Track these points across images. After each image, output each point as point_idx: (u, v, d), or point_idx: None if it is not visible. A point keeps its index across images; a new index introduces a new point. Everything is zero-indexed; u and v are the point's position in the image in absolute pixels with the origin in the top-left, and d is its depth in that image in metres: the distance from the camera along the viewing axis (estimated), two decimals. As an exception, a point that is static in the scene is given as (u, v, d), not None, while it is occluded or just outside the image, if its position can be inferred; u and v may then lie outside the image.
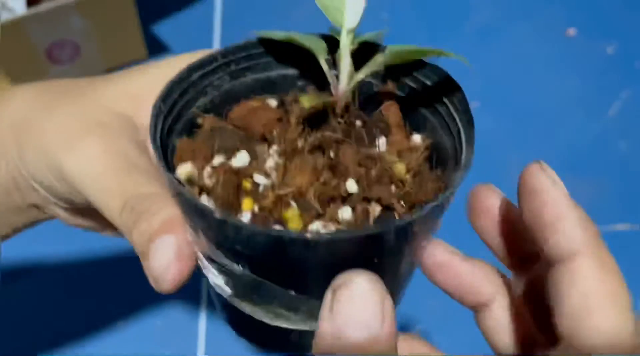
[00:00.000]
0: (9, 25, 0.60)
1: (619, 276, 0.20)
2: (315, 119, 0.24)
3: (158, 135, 0.22)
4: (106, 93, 0.29)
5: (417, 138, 0.26)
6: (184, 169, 0.23)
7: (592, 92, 0.77)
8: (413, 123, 0.26)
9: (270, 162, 0.23)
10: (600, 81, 0.78)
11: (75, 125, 0.27)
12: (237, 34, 0.79)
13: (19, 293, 0.62)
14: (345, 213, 0.22)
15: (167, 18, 0.78)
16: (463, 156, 0.23)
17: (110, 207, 0.25)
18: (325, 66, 0.24)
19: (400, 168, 0.24)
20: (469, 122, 0.24)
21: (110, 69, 0.73)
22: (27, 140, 0.28)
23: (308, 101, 0.22)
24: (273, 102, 0.26)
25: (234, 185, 0.22)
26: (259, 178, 0.22)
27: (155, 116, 0.23)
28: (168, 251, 0.22)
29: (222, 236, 0.20)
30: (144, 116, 0.27)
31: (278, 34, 0.25)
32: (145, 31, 0.73)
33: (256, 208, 0.21)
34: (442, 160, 0.25)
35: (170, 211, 0.23)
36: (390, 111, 0.26)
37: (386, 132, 0.26)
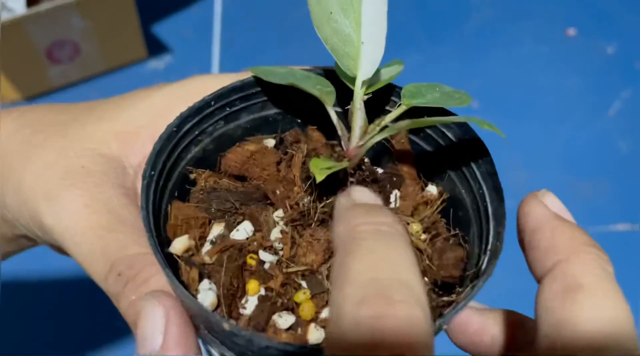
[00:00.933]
0: (9, 25, 0.60)
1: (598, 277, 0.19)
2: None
3: (151, 217, 0.20)
4: (92, 132, 0.27)
5: (432, 189, 0.24)
6: (180, 245, 0.21)
7: (592, 91, 0.77)
8: (428, 175, 0.24)
9: (276, 233, 0.21)
10: (600, 80, 0.78)
11: (55, 175, 0.25)
12: (237, 34, 0.79)
13: (18, 293, 0.62)
14: None
15: (167, 18, 0.78)
16: (484, 264, 0.20)
17: (94, 270, 0.24)
18: (334, 117, 0.22)
19: (416, 229, 0.22)
20: (496, 189, 0.22)
21: (110, 69, 0.73)
22: (7, 186, 0.27)
23: (320, 173, 0.19)
24: (271, 142, 0.24)
25: (238, 266, 0.20)
26: (265, 255, 0.20)
27: (147, 187, 0.21)
28: (158, 324, 0.20)
29: (230, 342, 0.19)
30: (133, 155, 0.26)
31: (277, 75, 0.22)
32: (145, 31, 0.73)
33: (263, 291, 0.20)
34: (460, 216, 0.23)
35: (159, 278, 0.22)
36: (404, 162, 0.24)
37: (399, 185, 0.23)
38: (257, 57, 0.75)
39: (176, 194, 0.23)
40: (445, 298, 0.21)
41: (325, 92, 0.21)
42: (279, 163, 0.22)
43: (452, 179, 0.23)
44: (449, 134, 0.23)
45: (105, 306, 0.65)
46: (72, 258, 0.24)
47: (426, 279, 0.21)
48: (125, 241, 0.23)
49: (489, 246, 0.21)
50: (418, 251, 0.22)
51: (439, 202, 0.23)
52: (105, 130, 0.26)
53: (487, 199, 0.22)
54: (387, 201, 0.23)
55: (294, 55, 0.76)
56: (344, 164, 0.21)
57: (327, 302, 0.19)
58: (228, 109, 0.24)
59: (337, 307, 0.15)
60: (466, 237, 0.22)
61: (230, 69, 0.68)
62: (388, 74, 0.23)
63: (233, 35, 0.78)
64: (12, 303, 0.61)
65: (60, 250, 0.27)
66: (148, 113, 0.26)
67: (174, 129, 0.22)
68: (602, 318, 0.18)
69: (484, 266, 0.21)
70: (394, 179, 0.23)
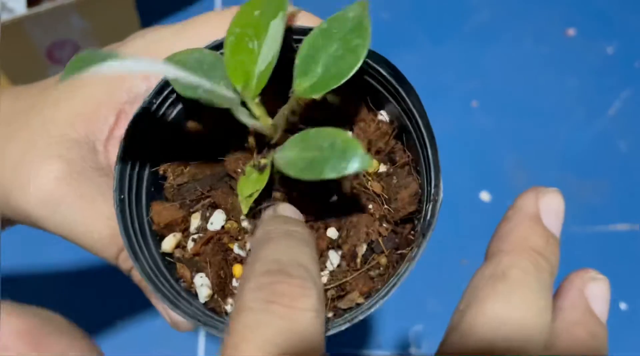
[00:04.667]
0: (10, 26, 0.60)
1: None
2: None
3: (133, 241, 0.22)
4: (53, 118, 0.27)
5: (384, 116, 0.25)
6: (168, 244, 0.23)
7: (591, 92, 0.77)
8: (376, 106, 0.26)
9: (246, 223, 0.23)
10: (600, 80, 0.78)
11: (38, 170, 0.26)
12: None
13: (16, 293, 0.62)
14: (334, 259, 0.23)
15: (167, 18, 0.78)
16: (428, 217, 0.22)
17: (107, 255, 0.26)
18: (244, 119, 0.22)
19: (375, 166, 0.24)
20: (427, 127, 0.23)
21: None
22: None
23: (246, 204, 0.22)
24: None
25: (221, 259, 0.22)
26: (238, 250, 0.23)
27: (121, 213, 0.22)
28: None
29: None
30: (100, 131, 0.26)
31: (187, 70, 0.21)
32: (145, 31, 0.74)
33: None
34: (410, 142, 0.24)
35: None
36: (348, 105, 0.25)
37: (351, 127, 0.25)
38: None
39: (152, 189, 0.24)
40: (400, 251, 0.23)
41: (230, 99, 0.21)
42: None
43: (395, 107, 0.25)
44: (383, 71, 0.24)
45: (106, 306, 0.65)
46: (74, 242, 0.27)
47: (385, 225, 0.23)
48: None
49: (431, 196, 0.22)
50: (376, 195, 0.23)
51: (392, 129, 0.24)
52: (66, 113, 0.26)
53: (424, 133, 0.23)
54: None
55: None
56: (265, 170, 0.22)
57: None
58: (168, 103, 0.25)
59: (245, 277, 0.18)
60: (418, 167, 0.24)
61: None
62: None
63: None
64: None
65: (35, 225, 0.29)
66: (103, 86, 0.27)
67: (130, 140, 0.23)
68: (505, 315, 0.18)
69: (428, 217, 0.22)
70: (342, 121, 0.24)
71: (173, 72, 0.19)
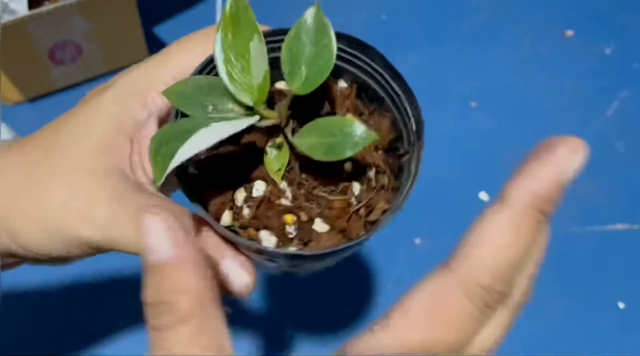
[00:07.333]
0: (11, 27, 0.61)
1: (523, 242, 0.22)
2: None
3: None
4: (81, 157, 0.29)
5: (342, 84, 0.31)
6: (227, 218, 0.28)
7: (590, 92, 0.78)
8: (334, 76, 0.31)
9: (283, 185, 0.29)
10: (599, 81, 0.79)
11: (89, 201, 0.28)
12: None
13: (18, 291, 0.62)
14: (355, 189, 0.29)
15: (169, 19, 0.79)
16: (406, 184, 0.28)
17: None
18: (257, 123, 0.27)
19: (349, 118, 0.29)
20: (391, 69, 0.30)
21: (112, 70, 0.73)
22: (23, 214, 0.29)
23: (278, 176, 0.29)
24: None
25: (274, 212, 0.28)
26: (284, 201, 0.29)
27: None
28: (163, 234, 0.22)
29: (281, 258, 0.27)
30: (122, 159, 0.29)
31: (187, 106, 0.28)
32: (147, 32, 0.74)
33: (295, 218, 0.28)
34: (371, 95, 0.31)
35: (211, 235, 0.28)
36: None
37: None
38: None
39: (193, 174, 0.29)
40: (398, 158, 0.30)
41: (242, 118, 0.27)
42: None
43: (353, 72, 0.31)
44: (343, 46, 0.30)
45: (107, 305, 0.65)
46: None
47: (379, 152, 0.30)
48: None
49: (409, 115, 0.29)
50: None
51: (353, 91, 0.31)
52: (89, 150, 0.29)
53: (389, 80, 0.30)
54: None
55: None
56: (282, 148, 0.29)
57: (320, 213, 0.28)
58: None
59: None
60: (383, 109, 0.30)
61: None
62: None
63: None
64: (14, 302, 0.61)
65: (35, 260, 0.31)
66: (112, 120, 0.30)
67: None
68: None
69: (413, 130, 0.29)
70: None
71: (226, 129, 0.25)
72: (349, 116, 0.30)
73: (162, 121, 0.32)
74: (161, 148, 0.24)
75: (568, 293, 0.65)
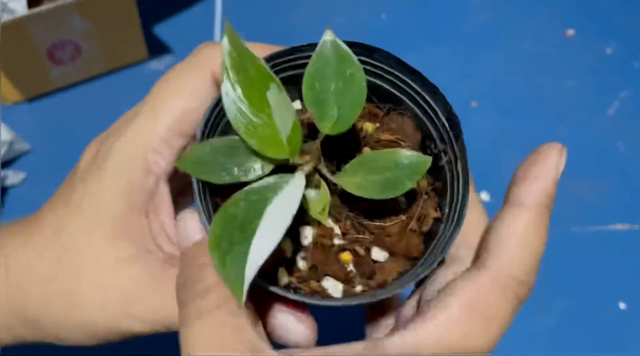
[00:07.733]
0: (10, 26, 0.60)
1: (541, 238, 0.24)
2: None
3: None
4: (95, 248, 0.29)
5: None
6: (285, 277, 0.25)
7: (590, 92, 0.78)
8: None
9: (330, 224, 0.27)
10: (599, 81, 0.78)
11: (118, 303, 0.29)
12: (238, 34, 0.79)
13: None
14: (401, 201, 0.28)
15: (168, 19, 0.78)
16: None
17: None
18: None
19: (370, 126, 0.30)
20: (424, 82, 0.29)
21: (112, 70, 0.73)
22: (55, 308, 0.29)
23: (324, 216, 0.26)
24: None
25: (331, 255, 0.26)
26: (336, 240, 0.27)
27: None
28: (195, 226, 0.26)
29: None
30: (139, 235, 0.29)
31: (209, 173, 0.25)
32: (146, 32, 0.74)
33: (352, 257, 0.26)
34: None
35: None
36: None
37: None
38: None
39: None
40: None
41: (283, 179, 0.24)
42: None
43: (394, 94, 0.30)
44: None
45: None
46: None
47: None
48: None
49: (437, 112, 0.29)
50: (391, 141, 0.29)
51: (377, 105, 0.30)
52: (101, 239, 0.29)
53: (405, 78, 0.29)
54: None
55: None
56: (321, 188, 0.26)
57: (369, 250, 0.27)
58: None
59: None
60: (401, 109, 0.30)
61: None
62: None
63: (233, 36, 0.78)
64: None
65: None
66: (122, 179, 0.30)
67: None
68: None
69: (447, 128, 0.29)
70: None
71: (293, 199, 0.23)
72: (385, 136, 0.28)
73: (170, 178, 0.30)
74: (227, 258, 0.20)
75: (568, 293, 0.65)
